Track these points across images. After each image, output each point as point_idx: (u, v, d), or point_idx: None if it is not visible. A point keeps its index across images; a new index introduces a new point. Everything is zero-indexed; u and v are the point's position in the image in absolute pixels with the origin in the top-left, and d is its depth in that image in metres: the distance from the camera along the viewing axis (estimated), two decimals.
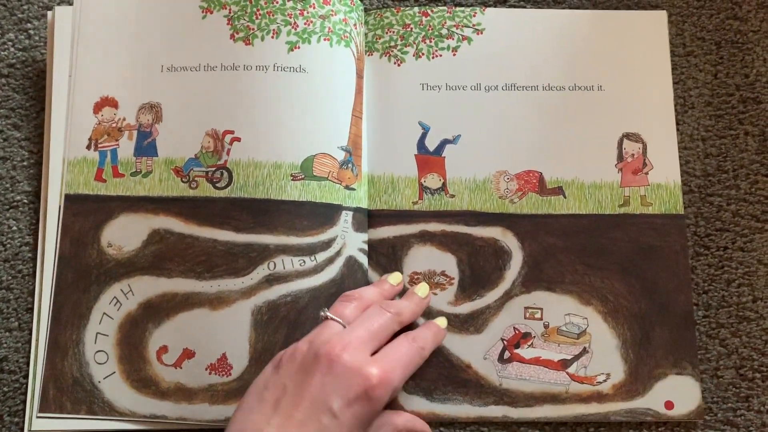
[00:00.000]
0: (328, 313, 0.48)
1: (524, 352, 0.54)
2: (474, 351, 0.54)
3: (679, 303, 0.54)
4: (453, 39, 0.59)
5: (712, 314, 0.55)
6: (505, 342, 0.54)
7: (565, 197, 0.56)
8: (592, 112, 0.58)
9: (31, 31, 0.60)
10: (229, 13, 0.56)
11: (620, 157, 0.57)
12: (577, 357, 0.53)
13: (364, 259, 0.55)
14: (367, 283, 0.55)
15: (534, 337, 0.54)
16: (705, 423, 0.53)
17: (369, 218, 0.56)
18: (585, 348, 0.54)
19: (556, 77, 0.58)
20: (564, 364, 0.53)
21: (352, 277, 0.54)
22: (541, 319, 0.54)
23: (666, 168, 0.57)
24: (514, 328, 0.54)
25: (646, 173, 0.57)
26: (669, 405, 0.53)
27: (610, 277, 0.55)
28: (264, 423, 0.43)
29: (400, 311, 0.50)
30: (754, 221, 0.56)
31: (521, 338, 0.54)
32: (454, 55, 0.59)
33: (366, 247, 0.55)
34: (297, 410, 0.43)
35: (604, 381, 0.53)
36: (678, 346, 0.54)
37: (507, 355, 0.54)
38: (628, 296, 0.54)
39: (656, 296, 0.54)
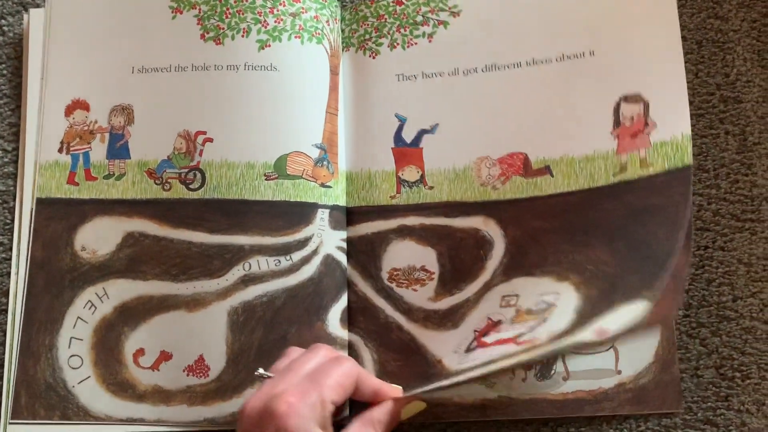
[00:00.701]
0: (261, 372, 0.46)
1: (489, 338, 0.50)
2: (448, 346, 0.52)
3: (662, 247, 0.48)
4: (428, 25, 0.57)
5: (692, 313, 0.54)
6: (477, 333, 0.52)
7: (552, 176, 0.53)
8: (582, 80, 0.53)
9: (5, 28, 0.60)
10: (199, 12, 0.56)
11: (617, 123, 0.52)
12: (532, 329, 0.49)
13: (342, 258, 0.54)
14: (346, 281, 0.54)
15: (503, 323, 0.51)
16: (685, 422, 0.53)
17: (348, 216, 0.55)
18: (545, 319, 0.49)
19: (541, 49, 0.55)
20: (517, 339, 0.49)
21: (330, 276, 0.53)
22: (515, 305, 0.51)
23: (673, 122, 0.51)
24: (488, 318, 0.52)
25: (648, 134, 0.52)
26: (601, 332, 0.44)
27: (595, 250, 0.50)
28: None
29: (329, 351, 0.47)
30: (734, 221, 0.56)
31: (492, 327, 0.51)
32: (430, 41, 0.57)
33: (345, 245, 0.55)
34: None
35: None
36: (639, 281, 0.47)
37: (474, 345, 0.51)
38: (611, 261, 0.49)
39: (642, 253, 0.49)
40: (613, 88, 0.53)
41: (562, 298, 0.50)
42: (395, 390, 0.47)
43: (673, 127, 0.51)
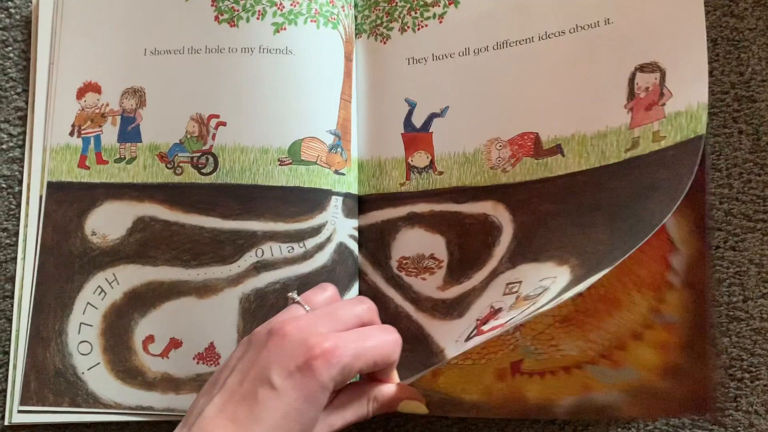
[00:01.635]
0: (295, 296, 0.46)
1: (487, 326, 0.48)
2: (452, 336, 0.51)
3: (654, 220, 0.44)
4: (439, 6, 0.55)
5: None
6: (478, 321, 0.50)
7: (563, 156, 0.50)
8: (597, 52, 0.50)
9: (12, 10, 0.59)
10: None
11: (631, 95, 0.49)
12: (521, 312, 0.47)
13: (354, 246, 0.54)
14: (357, 270, 0.53)
15: (502, 310, 0.48)
16: (693, 423, 0.53)
17: (359, 204, 0.55)
18: (535, 302, 0.47)
19: (555, 22, 0.52)
20: (506, 324, 0.47)
21: (343, 265, 0.53)
22: (517, 292, 0.49)
23: (690, 90, 0.47)
24: (491, 306, 0.50)
25: (663, 104, 0.48)
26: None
27: (598, 231, 0.47)
28: (208, 402, 0.41)
29: (375, 306, 0.47)
30: (746, 221, 0.55)
31: (492, 315, 0.49)
32: (441, 22, 0.55)
33: (356, 233, 0.54)
34: (240, 386, 0.41)
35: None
36: (620, 254, 0.43)
37: (474, 333, 0.49)
38: (608, 240, 0.47)
39: (636, 228, 0.46)
40: (630, 57, 0.49)
41: (557, 281, 0.47)
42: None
43: (689, 96, 0.47)
